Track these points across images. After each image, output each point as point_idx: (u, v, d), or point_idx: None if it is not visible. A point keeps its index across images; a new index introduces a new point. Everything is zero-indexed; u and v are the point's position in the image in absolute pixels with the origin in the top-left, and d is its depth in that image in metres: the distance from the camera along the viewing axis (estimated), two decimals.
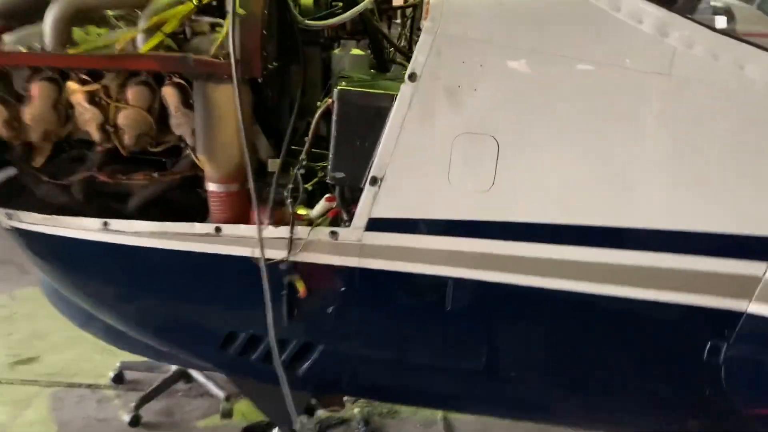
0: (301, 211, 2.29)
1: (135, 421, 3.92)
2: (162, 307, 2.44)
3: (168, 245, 2.24)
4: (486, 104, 2.05)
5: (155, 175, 2.37)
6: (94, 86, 2.21)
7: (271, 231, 2.19)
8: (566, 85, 2.04)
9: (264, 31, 2.09)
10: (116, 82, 2.25)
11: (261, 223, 2.11)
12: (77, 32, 2.36)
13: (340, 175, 2.15)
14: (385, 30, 3.04)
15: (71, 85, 2.25)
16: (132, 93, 2.24)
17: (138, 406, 3.95)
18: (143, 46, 2.21)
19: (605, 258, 2.10)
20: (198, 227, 2.22)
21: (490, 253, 2.14)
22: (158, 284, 2.36)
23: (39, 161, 2.38)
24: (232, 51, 2.01)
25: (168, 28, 2.20)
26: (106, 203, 2.50)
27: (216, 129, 2.19)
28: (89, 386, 4.30)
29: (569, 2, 2.05)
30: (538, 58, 2.03)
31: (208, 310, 2.36)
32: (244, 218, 2.27)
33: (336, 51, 2.66)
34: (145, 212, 2.47)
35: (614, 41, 2.01)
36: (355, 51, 2.64)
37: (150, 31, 2.21)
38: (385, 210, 2.14)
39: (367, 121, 2.09)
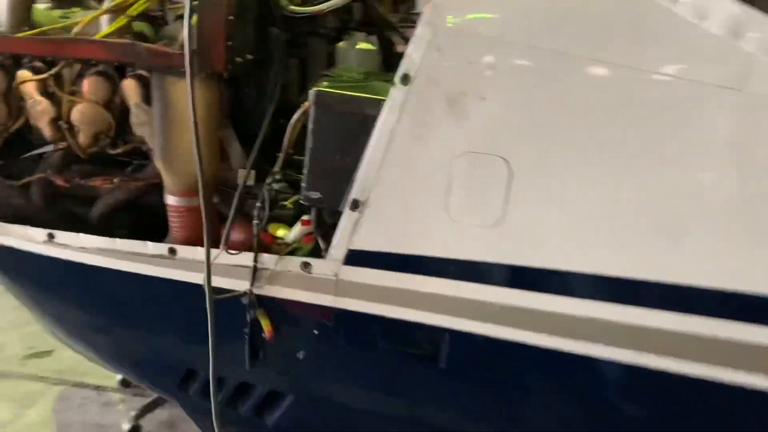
0: (280, 232, 1.92)
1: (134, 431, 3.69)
2: (111, 333, 2.12)
3: (117, 265, 1.91)
4: (496, 117, 1.61)
5: (115, 180, 2.05)
6: (43, 75, 1.90)
7: (232, 257, 1.83)
8: (601, 100, 1.57)
9: (230, 17, 1.72)
10: (71, 72, 1.94)
11: (210, 244, 1.74)
12: (40, 13, 2.07)
13: (315, 195, 1.77)
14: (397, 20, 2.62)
15: (21, 73, 1.96)
16: (87, 85, 1.92)
17: (139, 416, 3.71)
18: (104, 30, 1.88)
19: (643, 320, 1.63)
20: (150, 247, 1.88)
21: (496, 303, 1.71)
22: (107, 308, 2.04)
23: None
24: (187, 40, 1.65)
25: (134, 10, 1.87)
26: (68, 209, 2.20)
27: (174, 132, 1.84)
28: (96, 387, 4.11)
29: None
30: (565, 63, 1.57)
31: (162, 342, 2.02)
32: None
33: (341, 44, 2.27)
34: (109, 221, 2.16)
35: (669, 43, 1.53)
36: (363, 44, 2.24)
37: (116, 13, 1.89)
38: (368, 241, 1.74)
39: (348, 130, 1.70)
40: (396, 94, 1.63)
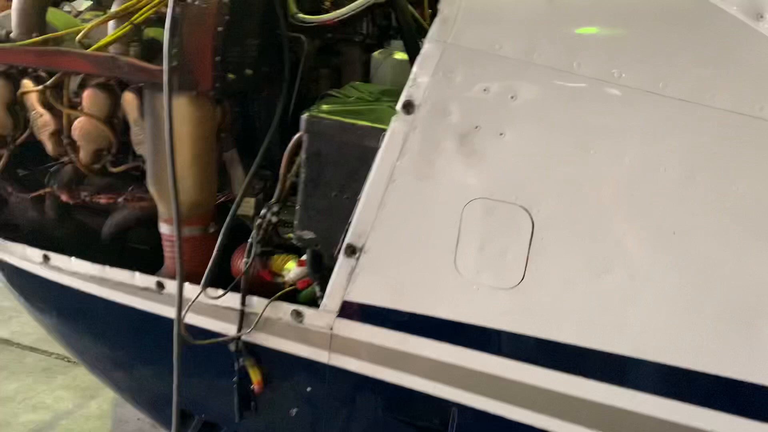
0: (290, 265, 1.69)
1: None
2: (106, 363, 1.98)
3: (107, 294, 1.76)
4: (518, 158, 1.31)
5: (120, 199, 1.90)
6: (38, 87, 1.77)
7: (218, 299, 1.62)
8: (655, 141, 1.23)
9: (219, 28, 1.50)
10: (72, 84, 1.79)
11: (183, 280, 1.54)
12: (59, 17, 1.95)
13: (308, 235, 1.52)
14: None
15: (25, 82, 1.84)
16: (86, 98, 1.77)
17: None
18: (107, 37, 1.72)
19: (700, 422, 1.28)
20: (138, 279, 1.70)
21: (513, 379, 1.40)
22: (99, 336, 1.90)
23: None
24: (166, 54, 1.44)
25: (141, 17, 1.69)
26: (82, 222, 2.08)
27: (164, 154, 1.64)
28: None
29: (675, 3, 1.23)
30: (608, 93, 1.23)
31: (153, 379, 1.85)
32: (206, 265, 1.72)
33: (376, 53, 2.01)
34: (122, 238, 2.02)
35: (750, 71, 1.16)
36: (399, 54, 1.96)
37: (122, 19, 1.72)
38: (365, 293, 1.48)
39: (344, 163, 1.44)
40: (397, 124, 1.35)
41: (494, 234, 1.34)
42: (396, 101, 1.48)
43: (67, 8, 2.11)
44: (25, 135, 1.90)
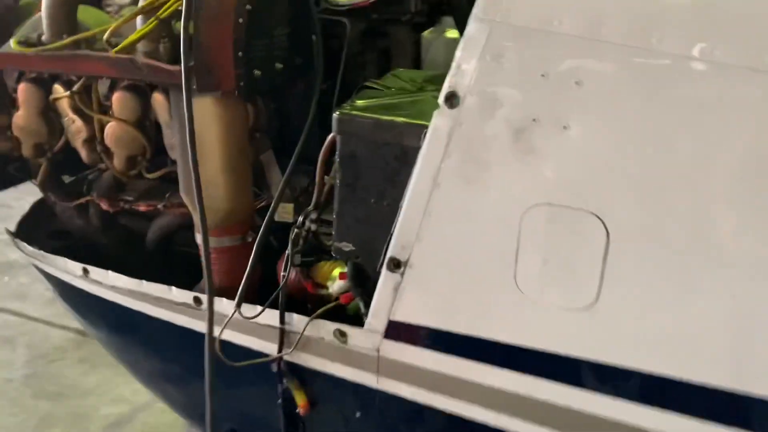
0: (336, 272, 1.54)
1: None
2: (152, 376, 1.89)
3: (145, 309, 1.66)
4: (586, 155, 1.08)
5: (160, 206, 1.79)
6: (65, 93, 1.67)
7: (260, 312, 1.48)
8: (762, 129, 0.98)
9: (240, 20, 1.34)
10: (102, 87, 1.68)
11: (213, 293, 1.40)
12: (92, 15, 1.84)
13: (347, 247, 1.35)
14: None
15: (56, 88, 1.75)
16: (115, 102, 1.65)
17: None
18: (133, 34, 1.59)
19: None
20: (175, 293, 1.58)
21: (585, 411, 1.19)
22: (144, 353, 1.81)
23: (39, 178, 1.94)
24: (183, 53, 1.29)
25: (167, 12, 1.55)
26: (127, 229, 2.00)
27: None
28: None
29: None
30: (699, 72, 0.99)
31: (199, 396, 1.74)
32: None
33: (426, 33, 1.80)
34: (167, 244, 1.93)
35: None
36: (452, 33, 1.74)
37: (149, 14, 1.59)
38: (413, 312, 1.30)
39: (382, 166, 1.25)
40: (440, 120, 1.15)
41: (560, 245, 1.13)
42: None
43: (109, 6, 2.01)
44: (61, 142, 1.81)
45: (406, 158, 1.22)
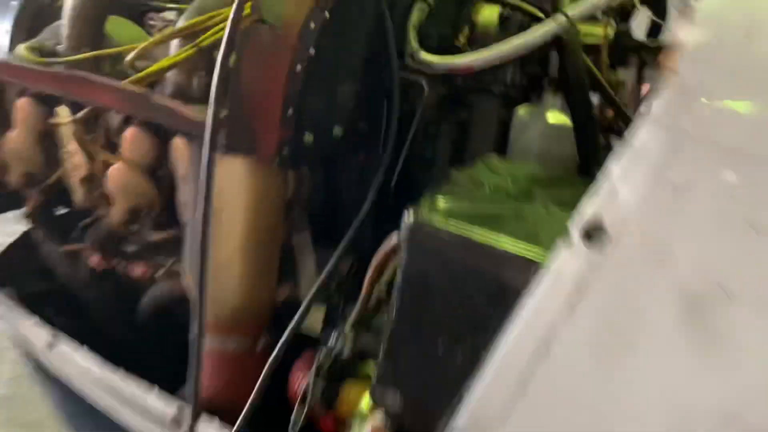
0: (364, 406, 1.15)
1: None
2: None
3: (114, 409, 1.27)
4: None
5: (160, 272, 1.42)
6: (68, 119, 1.32)
7: None
8: None
9: (298, 67, 0.98)
10: (114, 119, 1.34)
11: (198, 413, 1.02)
12: (124, 27, 1.52)
13: (391, 395, 0.96)
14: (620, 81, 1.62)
15: (59, 110, 1.40)
16: (127, 139, 1.30)
17: None
18: (161, 61, 1.25)
19: None
20: (152, 401, 1.19)
21: None
22: None
23: (27, 209, 1.59)
24: (215, 97, 0.93)
25: (209, 39, 1.21)
26: (119, 285, 1.63)
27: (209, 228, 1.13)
28: None
29: None
30: None
31: None
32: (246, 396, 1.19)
33: (521, 109, 1.42)
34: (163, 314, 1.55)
35: None
36: (555, 115, 1.37)
37: (187, 39, 1.25)
38: None
39: (464, 302, 0.87)
40: (569, 260, 0.76)
41: None
42: (559, 193, 0.92)
43: (154, 21, 1.69)
44: (55, 176, 1.47)
45: (504, 299, 0.83)
